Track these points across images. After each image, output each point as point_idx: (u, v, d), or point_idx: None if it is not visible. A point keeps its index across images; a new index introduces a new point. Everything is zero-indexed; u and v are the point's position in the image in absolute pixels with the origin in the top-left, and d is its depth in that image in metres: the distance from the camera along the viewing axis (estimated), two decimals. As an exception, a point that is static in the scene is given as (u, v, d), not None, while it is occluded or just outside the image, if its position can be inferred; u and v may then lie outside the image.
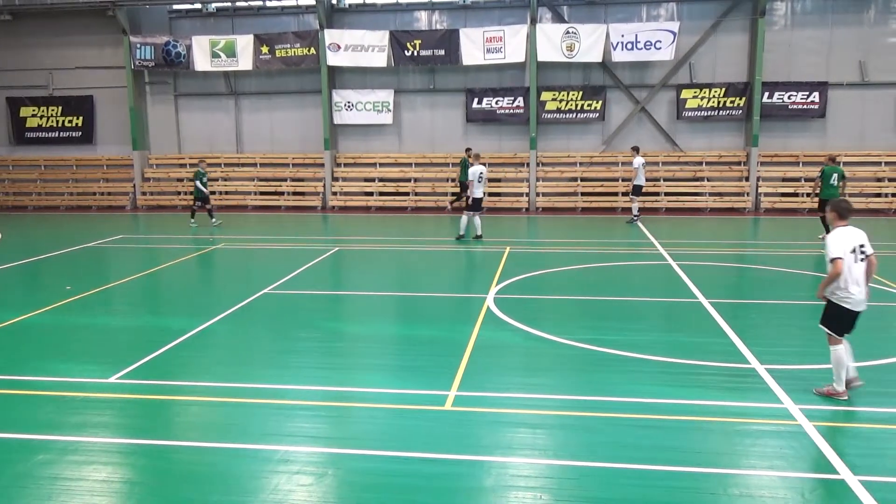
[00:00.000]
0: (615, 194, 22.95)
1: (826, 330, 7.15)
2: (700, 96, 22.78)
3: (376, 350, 9.13)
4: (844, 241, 6.93)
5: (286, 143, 25.44)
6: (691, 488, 5.48)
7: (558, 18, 23.15)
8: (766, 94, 22.34)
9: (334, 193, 24.56)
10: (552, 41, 22.62)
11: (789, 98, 22.41)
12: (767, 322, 10.16)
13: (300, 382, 7.82)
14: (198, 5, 24.98)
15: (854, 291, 6.94)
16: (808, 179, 21.72)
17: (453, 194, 23.04)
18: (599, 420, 6.71)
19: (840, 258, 6.84)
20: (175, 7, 25.18)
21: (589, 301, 11.39)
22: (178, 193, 25.44)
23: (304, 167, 25.18)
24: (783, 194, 22.50)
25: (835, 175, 15.99)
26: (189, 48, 24.33)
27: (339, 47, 23.57)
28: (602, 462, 5.88)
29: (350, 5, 24.31)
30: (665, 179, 22.99)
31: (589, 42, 22.39)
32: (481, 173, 16.86)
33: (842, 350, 7.08)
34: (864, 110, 22.41)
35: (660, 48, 22.24)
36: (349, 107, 24.40)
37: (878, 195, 21.96)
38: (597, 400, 7.17)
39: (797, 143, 22.85)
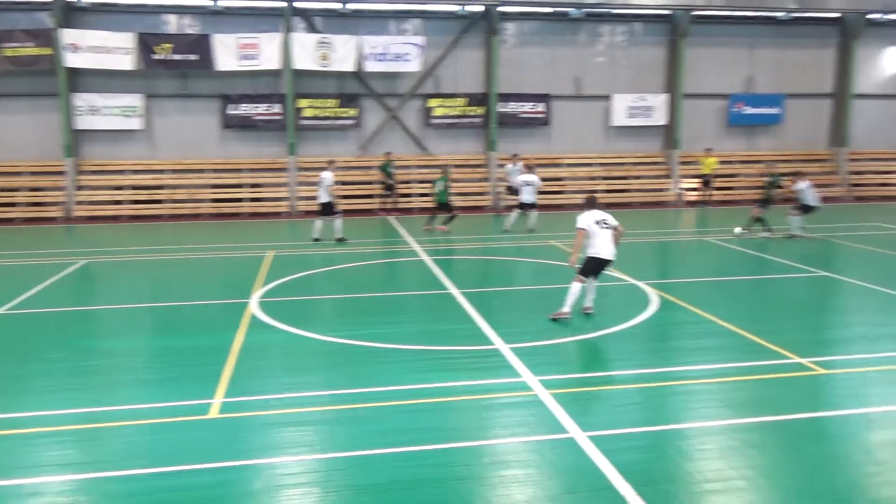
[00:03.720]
0: (371, 197, 23.38)
1: (577, 273, 9.82)
2: (445, 105, 23.98)
3: (133, 365, 8.44)
4: (589, 218, 9.86)
5: (19, 150, 22.51)
6: (450, 463, 5.77)
7: (312, 28, 23.04)
8: (501, 104, 24.13)
9: (79, 203, 22.23)
10: (307, 50, 22.46)
11: (520, 108, 24.42)
12: (509, 306, 10.99)
13: (45, 408, 6.98)
14: None
15: (599, 246, 9.74)
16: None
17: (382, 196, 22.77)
18: (365, 410, 6.81)
19: (583, 228, 9.83)
20: None
21: (352, 299, 11.50)
22: None
23: (42, 175, 22.47)
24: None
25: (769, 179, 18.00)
26: None
27: (78, 48, 21.34)
28: (369, 450, 5.98)
29: (90, 4, 22.10)
30: (419, 182, 23.88)
31: (342, 52, 22.56)
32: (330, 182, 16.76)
33: (577, 287, 9.71)
34: (580, 119, 25.10)
35: (408, 60, 23.05)
36: (93, 111, 22.20)
37: (627, 191, 24.69)
38: (362, 391, 7.27)
39: (528, 147, 24.93)
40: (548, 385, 7.34)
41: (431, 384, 7.42)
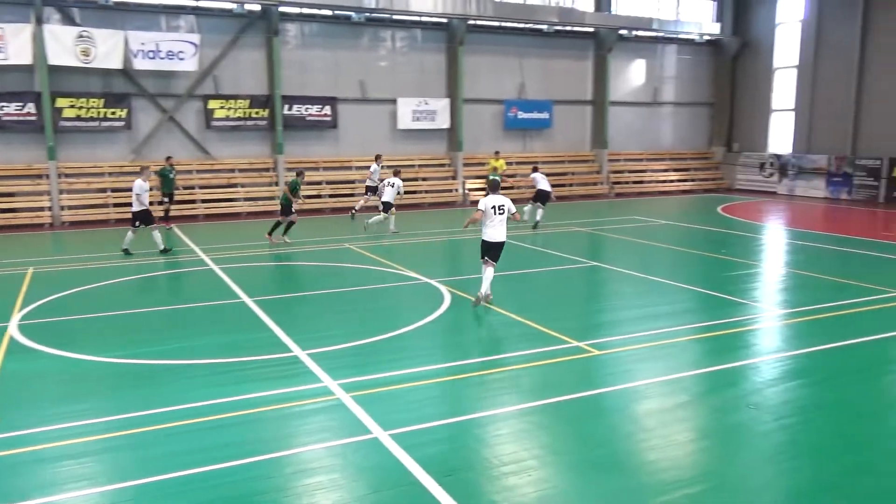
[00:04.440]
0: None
1: (481, 257, 10.89)
2: (227, 107, 23.00)
3: None
4: (489, 201, 10.73)
5: None
6: (251, 478, 5.57)
7: (69, 20, 20.92)
8: (287, 106, 23.66)
9: None
10: (64, 44, 20.34)
11: (307, 110, 24.12)
12: (305, 312, 10.84)
13: None
14: None
15: (491, 232, 10.77)
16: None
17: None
18: (153, 434, 6.35)
19: (480, 210, 10.74)
20: None
21: (130, 315, 10.64)
22: None
23: None
24: (308, 197, 24.05)
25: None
26: None
27: None
28: (161, 475, 5.59)
29: None
30: (201, 187, 22.69)
31: (106, 48, 20.74)
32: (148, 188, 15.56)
33: (489, 269, 10.74)
34: (368, 122, 25.38)
35: (183, 58, 21.79)
36: None
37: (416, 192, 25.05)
38: (148, 414, 6.77)
39: (316, 150, 24.74)
40: (348, 388, 7.35)
41: (228, 398, 7.11)
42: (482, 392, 7.47)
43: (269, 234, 17.03)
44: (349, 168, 24.93)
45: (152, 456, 5.92)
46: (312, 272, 14.05)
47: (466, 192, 25.89)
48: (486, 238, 10.89)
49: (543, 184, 19.23)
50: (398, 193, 18.58)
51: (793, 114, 29.22)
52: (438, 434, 6.36)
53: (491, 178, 19.94)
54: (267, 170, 23.88)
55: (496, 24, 26.52)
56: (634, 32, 29.12)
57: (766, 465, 5.87)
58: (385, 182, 18.80)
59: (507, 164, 26.06)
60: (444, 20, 25.50)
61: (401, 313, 10.74)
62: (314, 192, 24.12)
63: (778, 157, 29.28)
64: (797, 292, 12.24)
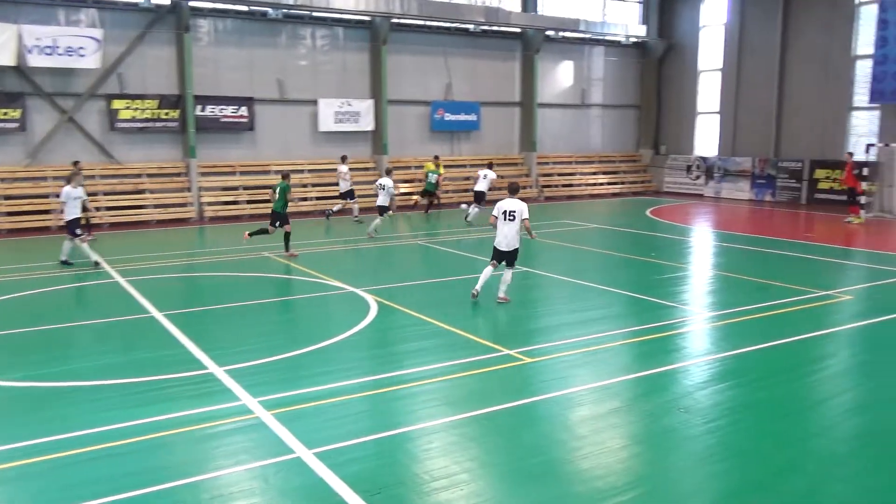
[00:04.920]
0: (48, 212, 20.84)
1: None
2: (133, 107, 22.25)
3: None
4: (501, 206, 11.26)
5: None
6: (162, 506, 5.37)
7: (-47, 12, 19.86)
8: (200, 107, 23.07)
9: None
10: (-53, 38, 19.28)
11: (221, 111, 23.58)
12: (222, 326, 10.56)
13: None
14: None
15: (499, 237, 11.34)
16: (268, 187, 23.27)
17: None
18: (47, 464, 6.04)
19: (493, 215, 11.37)
20: None
21: (27, 333, 10.12)
22: None
23: None
24: (224, 203, 23.60)
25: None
26: None
27: None
28: (60, 507, 5.31)
29: None
30: (105, 193, 21.86)
31: (-3, 42, 19.78)
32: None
33: (488, 269, 11.55)
34: (287, 124, 25.01)
35: (84, 55, 20.96)
36: None
37: (305, 199, 24.77)
38: (46, 442, 6.44)
39: (232, 153, 24.21)
40: (269, 405, 7.19)
41: (137, 421, 6.84)
42: (411, 405, 7.44)
43: (250, 234, 16.14)
44: (267, 172, 24.50)
45: (51, 488, 5.63)
46: (229, 283, 13.72)
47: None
48: (495, 243, 11.57)
49: (481, 184, 20.72)
50: (391, 195, 19.11)
51: (718, 116, 30.46)
52: (366, 451, 6.29)
53: (476, 189, 21.76)
54: (178, 175, 23.21)
55: (421, 22, 26.62)
56: (561, 33, 29.75)
57: (697, 468, 6.05)
58: (377, 184, 19.56)
59: (446, 167, 26.23)
60: (367, 18, 25.43)
61: (324, 325, 10.61)
62: (230, 199, 23.62)
63: (704, 159, 30.43)
64: (724, 294, 12.72)
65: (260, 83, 24.26)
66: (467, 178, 27.38)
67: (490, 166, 22.50)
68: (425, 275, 14.48)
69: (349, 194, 22.58)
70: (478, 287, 11.60)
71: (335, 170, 25.51)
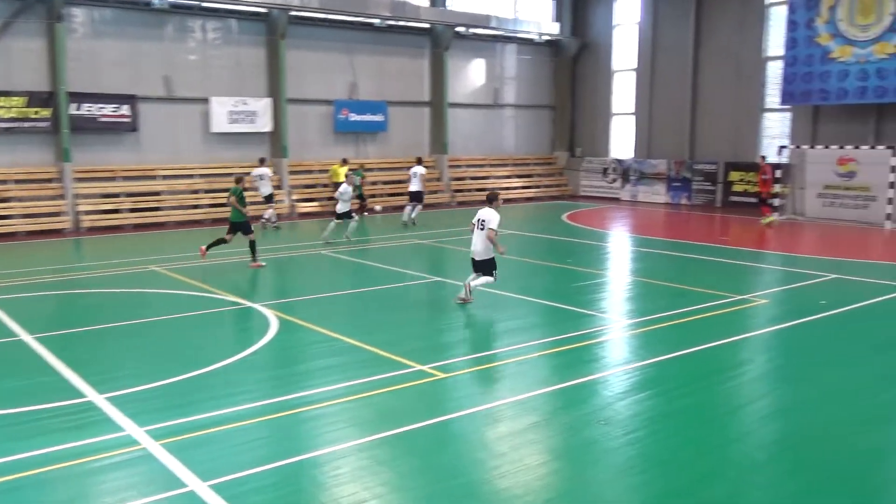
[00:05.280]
0: None
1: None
2: (-2, 105, 21.17)
3: None
4: (477, 215, 12.01)
5: None
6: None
7: None
8: (75, 105, 22.12)
9: None
10: None
11: (100, 110, 22.68)
12: (102, 349, 10.14)
13: None
14: None
15: (472, 246, 12.02)
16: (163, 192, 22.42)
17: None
18: None
19: (473, 223, 12.06)
20: None
21: None
22: None
23: None
24: (104, 211, 22.68)
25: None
26: None
27: None
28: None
29: None
30: (-36, 203, 20.65)
31: None
32: None
33: (469, 279, 12.17)
34: (175, 124, 24.30)
35: (-63, 46, 19.79)
36: None
37: (196, 207, 24.12)
38: None
39: (113, 157, 23.31)
40: (157, 435, 6.95)
41: (11, 457, 6.47)
42: (316, 428, 7.34)
43: (207, 247, 15.87)
44: (153, 178, 23.74)
45: None
46: (110, 301, 13.18)
47: (294, 202, 25.48)
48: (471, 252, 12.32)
49: (414, 184, 22.52)
50: (347, 200, 19.12)
51: (633, 117, 31.55)
52: (267, 479, 6.16)
53: (411, 189, 22.89)
54: (50, 181, 22.17)
55: (322, 16, 26.46)
56: (472, 30, 30.17)
57: (618, 481, 6.23)
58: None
59: (366, 170, 26.17)
60: (263, 10, 25.06)
61: (220, 344, 10.35)
62: (111, 207, 22.74)
63: (620, 161, 31.46)
64: (642, 301, 13.16)
65: (144, 79, 23.49)
66: (374, 183, 27.34)
67: (420, 162, 23.76)
68: (331, 287, 14.34)
69: (269, 199, 22.34)
70: (464, 292, 12.18)
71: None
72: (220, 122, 24.76)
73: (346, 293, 13.83)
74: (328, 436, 7.09)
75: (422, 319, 12.07)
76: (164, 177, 23.91)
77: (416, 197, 22.72)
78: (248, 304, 12.39)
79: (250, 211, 16.40)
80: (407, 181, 23.51)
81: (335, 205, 19.43)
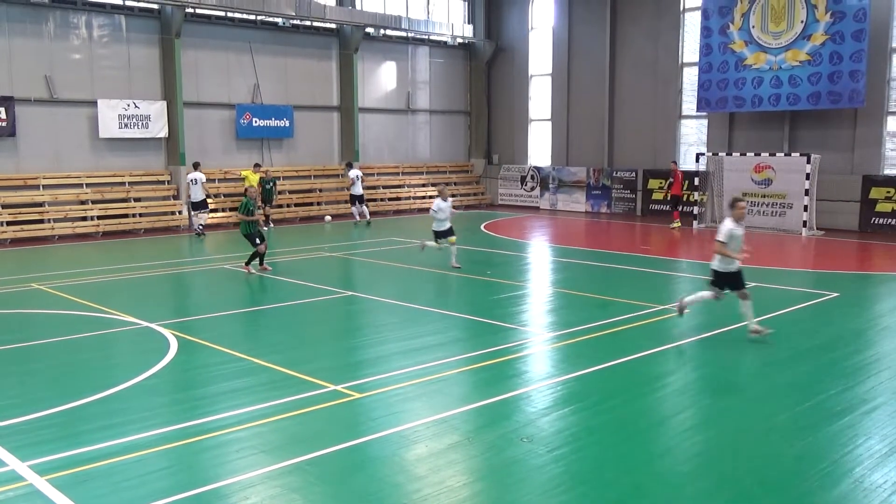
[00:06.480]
0: None
1: None
2: None
3: None
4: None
5: None
6: None
7: None
8: (-58, 107, 21.04)
9: None
10: None
11: (-28, 113, 21.65)
12: (-22, 376, 9.64)
13: None
14: None
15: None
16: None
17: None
18: None
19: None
20: None
21: None
22: None
23: None
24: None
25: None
26: None
27: None
28: None
29: None
30: None
31: None
32: None
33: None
34: (58, 129, 23.40)
35: None
36: None
37: (84, 219, 23.26)
38: None
39: (-12, 165, 22.30)
40: (43, 469, 6.64)
41: None
42: (222, 456, 7.16)
43: (248, 265, 16.40)
44: (35, 188, 22.79)
45: None
46: (-14, 323, 12.55)
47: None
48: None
49: (357, 187, 25.66)
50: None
51: (550, 124, 32.20)
52: (168, 514, 5.97)
53: (352, 193, 25.78)
54: (-85, 191, 21.00)
55: (221, 13, 26.03)
56: (382, 31, 30.24)
57: (544, 500, 6.29)
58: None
59: (236, 179, 25.80)
60: (155, 6, 24.47)
61: (112, 368, 9.99)
62: (-14, 220, 21.72)
63: (538, 169, 32.04)
64: (564, 313, 13.41)
65: (23, 79, 22.56)
66: (281, 193, 26.97)
67: (350, 166, 26.69)
68: (236, 304, 14.05)
69: (202, 204, 22.19)
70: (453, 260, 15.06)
71: (123, 184, 24.27)
72: (110, 126, 23.97)
73: (253, 310, 13.58)
74: (235, 464, 6.93)
75: (335, 336, 11.95)
76: (47, 186, 22.97)
77: (360, 199, 25.91)
78: (144, 323, 12.01)
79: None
80: (315, 190, 23.33)
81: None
